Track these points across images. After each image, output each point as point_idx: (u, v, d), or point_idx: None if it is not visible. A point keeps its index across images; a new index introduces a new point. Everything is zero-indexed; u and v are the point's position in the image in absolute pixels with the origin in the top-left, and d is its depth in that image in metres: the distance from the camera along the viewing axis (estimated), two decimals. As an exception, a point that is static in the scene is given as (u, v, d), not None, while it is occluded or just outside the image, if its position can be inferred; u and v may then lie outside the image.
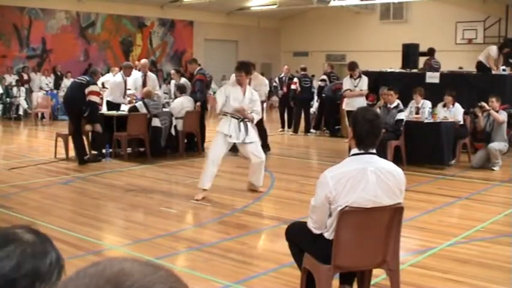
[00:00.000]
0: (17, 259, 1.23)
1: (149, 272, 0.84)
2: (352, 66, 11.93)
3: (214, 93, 22.24)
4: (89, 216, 6.37)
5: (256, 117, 7.50)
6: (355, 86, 11.79)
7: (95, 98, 9.44)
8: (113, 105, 10.39)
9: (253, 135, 7.40)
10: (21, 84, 17.27)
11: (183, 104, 10.50)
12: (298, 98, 14.16)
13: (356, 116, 3.47)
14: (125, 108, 10.37)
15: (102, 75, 13.40)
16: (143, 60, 11.73)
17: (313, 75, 22.64)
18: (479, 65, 12.10)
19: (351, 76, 11.91)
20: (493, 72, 11.75)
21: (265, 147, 10.26)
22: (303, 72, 14.65)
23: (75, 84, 9.70)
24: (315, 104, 15.45)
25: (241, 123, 7.18)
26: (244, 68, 7.25)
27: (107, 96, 10.75)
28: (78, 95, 9.35)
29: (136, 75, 11.06)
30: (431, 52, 13.12)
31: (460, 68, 15.32)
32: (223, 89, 7.47)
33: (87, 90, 9.29)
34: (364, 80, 11.83)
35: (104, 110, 10.66)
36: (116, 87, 10.59)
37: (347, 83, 12.02)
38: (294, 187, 8.05)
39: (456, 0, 20.65)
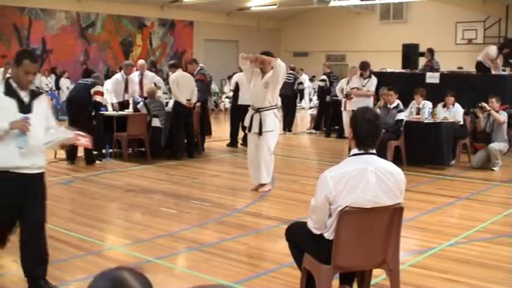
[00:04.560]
0: None
1: None
2: (364, 66, 11.85)
3: (215, 93, 22.30)
4: (89, 217, 6.38)
5: (279, 62, 7.34)
6: (363, 86, 11.76)
7: (99, 98, 9.63)
8: (120, 105, 10.49)
9: (268, 125, 7.42)
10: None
11: None
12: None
13: (356, 116, 3.47)
14: (129, 108, 10.41)
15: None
16: (140, 61, 11.92)
17: (313, 76, 22.68)
18: (479, 65, 12.11)
19: (361, 75, 11.88)
20: (493, 72, 11.76)
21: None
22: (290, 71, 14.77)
23: (81, 85, 9.75)
24: (315, 104, 15.47)
25: (256, 114, 7.43)
26: (265, 53, 7.43)
27: (111, 99, 10.75)
28: (85, 96, 9.48)
29: (133, 75, 11.15)
30: (431, 53, 13.11)
31: (460, 68, 15.31)
32: (247, 76, 7.80)
33: (93, 91, 9.45)
34: (373, 80, 11.75)
35: (110, 110, 10.65)
36: (115, 85, 10.63)
37: (356, 82, 11.99)
38: (294, 187, 8.05)
39: (456, 0, 20.65)
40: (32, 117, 3.92)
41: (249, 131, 7.64)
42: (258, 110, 7.43)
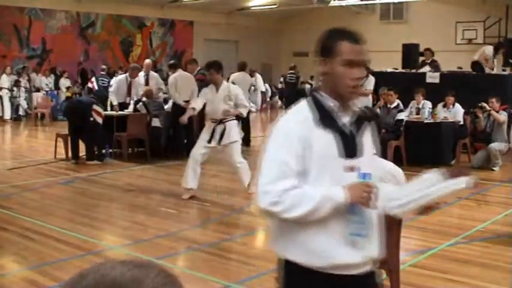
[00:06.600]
0: None
1: (141, 277, 0.84)
2: None
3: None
4: (89, 217, 6.37)
5: (244, 111, 7.32)
6: (361, 85, 11.69)
7: (99, 119, 9.52)
8: (121, 105, 10.51)
9: (232, 136, 7.16)
10: (20, 84, 17.26)
11: None
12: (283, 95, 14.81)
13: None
14: (129, 108, 10.42)
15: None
16: (147, 60, 11.92)
17: (312, 76, 22.71)
18: (475, 65, 12.13)
19: None
20: (492, 72, 11.76)
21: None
22: (290, 71, 14.92)
23: (81, 103, 9.89)
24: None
25: (218, 126, 7.06)
26: (212, 66, 7.21)
27: (112, 100, 10.75)
28: (88, 106, 9.55)
29: (139, 76, 11.17)
30: (432, 52, 13.12)
31: (459, 68, 15.32)
32: (203, 92, 7.41)
33: (94, 108, 9.46)
34: (371, 80, 11.70)
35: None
36: (117, 85, 10.66)
37: None
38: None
39: (456, 0, 20.64)
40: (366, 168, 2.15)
41: (209, 142, 7.11)
42: (220, 122, 7.08)
